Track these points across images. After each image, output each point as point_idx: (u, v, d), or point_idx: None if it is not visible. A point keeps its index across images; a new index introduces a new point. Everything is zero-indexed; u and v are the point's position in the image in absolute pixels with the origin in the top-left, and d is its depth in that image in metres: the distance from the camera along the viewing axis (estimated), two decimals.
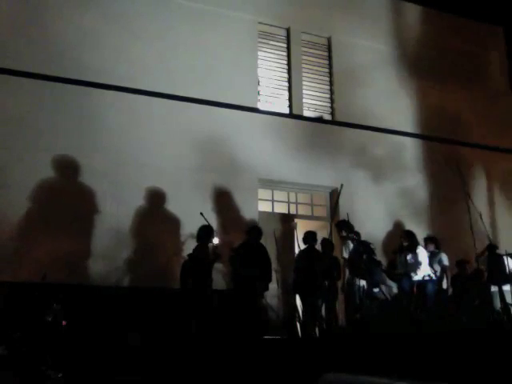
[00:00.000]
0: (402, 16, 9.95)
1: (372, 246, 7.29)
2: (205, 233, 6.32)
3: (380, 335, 3.87)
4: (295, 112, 8.66)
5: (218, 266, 6.67)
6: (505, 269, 7.05)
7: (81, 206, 6.80)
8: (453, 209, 8.43)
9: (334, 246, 7.00)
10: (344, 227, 6.79)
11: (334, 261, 6.88)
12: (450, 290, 7.48)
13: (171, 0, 8.15)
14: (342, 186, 7.12)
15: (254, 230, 6.72)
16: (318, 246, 6.96)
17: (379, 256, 7.56)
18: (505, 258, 7.17)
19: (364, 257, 6.84)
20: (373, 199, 8.52)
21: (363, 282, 6.57)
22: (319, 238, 7.00)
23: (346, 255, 6.85)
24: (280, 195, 8.40)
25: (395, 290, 7.20)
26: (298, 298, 6.91)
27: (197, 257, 6.21)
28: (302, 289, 6.66)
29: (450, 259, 7.55)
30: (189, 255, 6.31)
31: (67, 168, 6.85)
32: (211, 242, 6.40)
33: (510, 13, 10.74)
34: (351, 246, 6.76)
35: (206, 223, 6.36)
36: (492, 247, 7.11)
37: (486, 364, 2.99)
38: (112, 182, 6.91)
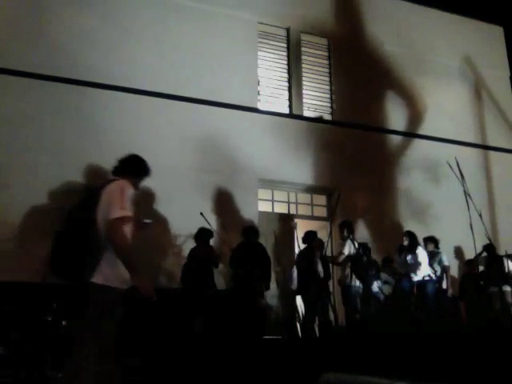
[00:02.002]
0: (403, 16, 9.95)
1: (368, 246, 7.31)
2: (203, 234, 6.33)
3: (380, 335, 3.87)
4: (295, 112, 8.66)
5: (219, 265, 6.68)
6: (504, 269, 7.05)
7: None
8: (452, 209, 8.43)
9: (325, 245, 7.00)
10: (346, 227, 6.78)
11: (324, 261, 6.88)
12: (450, 291, 7.48)
13: (171, 0, 8.15)
14: (339, 194, 7.12)
15: (249, 230, 6.71)
16: None
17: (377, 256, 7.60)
18: (504, 259, 7.16)
19: (365, 258, 6.84)
20: (372, 199, 8.52)
21: (359, 283, 6.58)
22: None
23: (345, 253, 6.82)
24: (280, 195, 8.40)
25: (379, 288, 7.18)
26: (298, 298, 6.91)
27: (196, 256, 6.21)
28: (303, 289, 6.66)
29: (450, 259, 7.57)
30: (189, 255, 6.33)
31: (67, 168, 6.84)
32: (208, 242, 6.41)
33: (510, 13, 10.74)
34: (351, 246, 6.75)
35: (205, 225, 6.37)
36: (490, 247, 7.09)
37: (486, 364, 3.00)
38: None
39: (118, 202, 2.91)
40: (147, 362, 4.90)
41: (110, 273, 2.90)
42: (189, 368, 4.65)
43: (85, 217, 2.94)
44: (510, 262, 7.20)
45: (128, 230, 3.08)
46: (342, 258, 6.76)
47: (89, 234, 2.89)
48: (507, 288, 7.02)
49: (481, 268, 7.44)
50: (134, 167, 3.30)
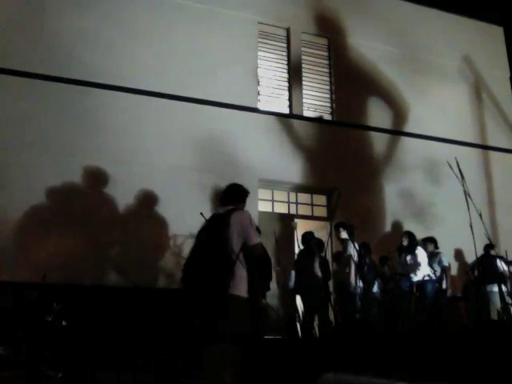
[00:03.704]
0: (403, 16, 9.95)
1: (369, 246, 7.30)
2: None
3: (380, 335, 3.87)
4: (295, 112, 8.66)
5: None
6: (495, 270, 7.05)
7: (81, 205, 6.80)
8: (452, 209, 8.44)
9: (325, 245, 6.99)
10: (345, 229, 6.78)
11: (324, 261, 6.88)
12: (450, 291, 7.48)
13: (171, 0, 8.16)
14: (339, 194, 7.11)
15: None
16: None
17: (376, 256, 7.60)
18: (498, 259, 7.15)
19: (367, 260, 6.83)
20: (372, 199, 8.53)
21: (361, 283, 6.57)
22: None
23: (351, 253, 6.81)
24: (280, 195, 8.40)
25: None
26: (298, 297, 6.91)
27: None
28: (302, 289, 6.66)
29: (449, 259, 7.57)
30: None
31: (67, 168, 6.85)
32: None
33: (510, 13, 10.74)
34: (353, 246, 6.75)
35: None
36: (487, 247, 7.09)
37: (486, 364, 2.99)
38: (112, 181, 6.91)
39: (252, 230, 3.62)
40: (147, 361, 4.90)
41: (242, 285, 3.54)
42: (188, 367, 4.65)
43: (217, 239, 3.58)
44: (502, 262, 7.19)
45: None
46: (351, 261, 6.68)
47: (223, 253, 3.49)
48: (495, 288, 7.01)
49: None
50: (240, 196, 4.00)
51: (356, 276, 6.52)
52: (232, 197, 3.98)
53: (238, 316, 3.45)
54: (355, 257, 6.53)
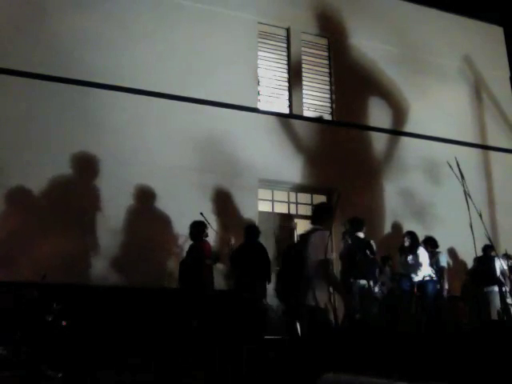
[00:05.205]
0: (403, 16, 9.95)
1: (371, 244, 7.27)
2: (195, 230, 6.22)
3: (380, 335, 3.87)
4: (295, 112, 8.66)
5: (219, 265, 6.69)
6: (493, 271, 7.06)
7: (81, 205, 6.80)
8: (452, 209, 8.44)
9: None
10: (348, 223, 6.77)
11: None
12: (446, 292, 7.46)
13: (171, 0, 8.16)
14: (339, 195, 7.09)
15: (249, 230, 6.68)
16: None
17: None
18: (496, 259, 7.15)
19: (357, 257, 6.75)
20: (372, 199, 8.52)
21: (364, 282, 6.55)
22: None
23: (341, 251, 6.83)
24: (280, 195, 8.40)
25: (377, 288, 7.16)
26: None
27: (191, 255, 6.18)
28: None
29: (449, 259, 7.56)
30: (187, 254, 6.32)
31: (67, 168, 6.85)
32: (204, 238, 6.29)
33: (510, 13, 10.73)
34: (346, 242, 6.76)
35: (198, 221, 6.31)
36: (486, 247, 7.08)
37: (486, 364, 2.99)
38: (112, 181, 6.91)
39: (320, 248, 4.05)
40: (147, 361, 4.90)
41: (319, 296, 4.00)
42: (189, 368, 4.65)
43: (299, 256, 4.17)
44: (502, 261, 7.19)
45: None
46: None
47: (303, 268, 4.06)
48: (495, 288, 7.02)
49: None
50: (324, 215, 4.44)
51: (347, 273, 6.52)
52: (316, 218, 4.51)
53: (313, 327, 3.99)
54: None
